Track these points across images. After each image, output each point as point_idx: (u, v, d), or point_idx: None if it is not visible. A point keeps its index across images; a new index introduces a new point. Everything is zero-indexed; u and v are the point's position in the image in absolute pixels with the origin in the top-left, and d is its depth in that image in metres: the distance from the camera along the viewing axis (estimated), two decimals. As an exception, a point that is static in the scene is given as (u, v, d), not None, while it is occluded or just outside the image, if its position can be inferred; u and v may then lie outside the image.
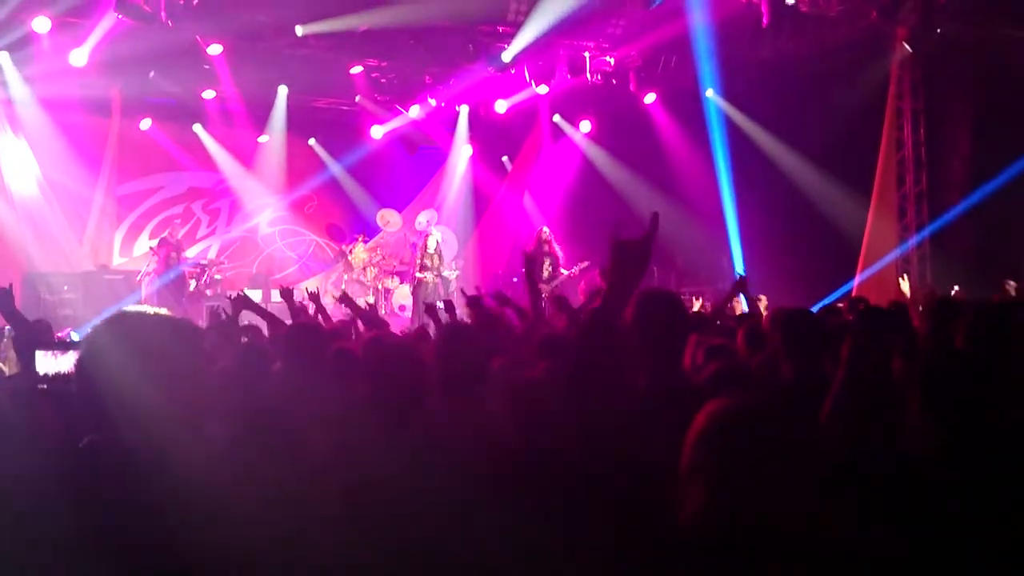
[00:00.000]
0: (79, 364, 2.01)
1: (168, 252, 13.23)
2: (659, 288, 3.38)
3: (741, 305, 7.80)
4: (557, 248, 13.13)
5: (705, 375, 3.44)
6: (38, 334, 4.93)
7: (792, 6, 11.13)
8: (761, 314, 6.71)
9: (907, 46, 11.85)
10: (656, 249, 2.55)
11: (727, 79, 12.81)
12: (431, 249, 14.06)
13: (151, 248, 13.58)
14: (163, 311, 2.11)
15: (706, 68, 12.53)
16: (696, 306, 10.92)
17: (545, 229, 13.44)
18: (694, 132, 13.83)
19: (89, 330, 2.02)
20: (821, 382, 3.43)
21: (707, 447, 1.98)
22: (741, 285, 6.67)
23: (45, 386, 4.27)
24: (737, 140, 13.26)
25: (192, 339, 2.11)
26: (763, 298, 10.73)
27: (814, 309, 7.17)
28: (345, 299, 6.73)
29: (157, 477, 1.87)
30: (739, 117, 13.25)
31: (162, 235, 13.99)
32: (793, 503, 1.93)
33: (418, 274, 13.97)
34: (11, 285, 4.72)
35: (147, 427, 1.91)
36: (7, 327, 9.03)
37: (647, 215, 2.54)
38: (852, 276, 11.74)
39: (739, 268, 12.76)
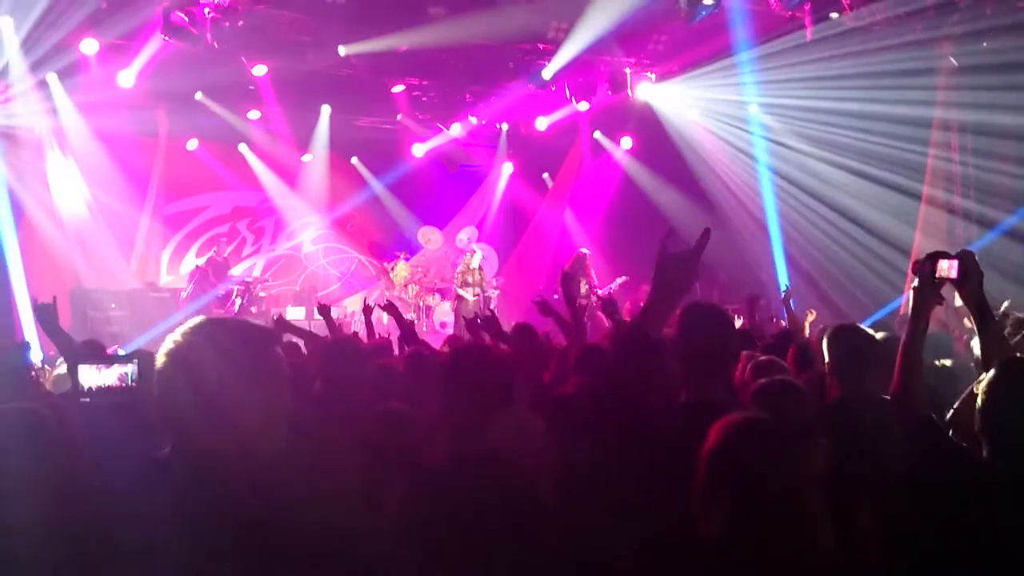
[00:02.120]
0: (161, 371, 2.01)
1: (200, 277, 13.39)
2: (705, 301, 3.33)
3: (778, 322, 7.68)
4: (592, 270, 13.14)
5: (750, 392, 3.39)
6: (88, 351, 5.00)
7: (837, 20, 11.02)
8: (804, 329, 6.61)
9: (953, 60, 11.67)
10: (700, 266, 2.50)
11: (770, 94, 12.70)
12: (474, 265, 14.11)
13: (189, 273, 13.81)
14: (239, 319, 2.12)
15: (749, 83, 12.44)
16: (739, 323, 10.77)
17: (584, 250, 13.45)
18: (737, 147, 13.73)
19: (169, 339, 2.03)
20: (870, 398, 3.37)
21: (718, 463, 1.96)
22: (753, 302, 6.57)
23: (88, 399, 4.31)
24: (781, 155, 13.13)
25: (266, 344, 2.12)
26: (812, 312, 10.55)
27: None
28: (390, 308, 6.74)
29: (230, 488, 1.88)
30: (782, 132, 13.12)
31: (208, 253, 14.20)
32: (807, 517, 1.90)
33: (460, 291, 14.02)
34: (55, 299, 4.82)
35: (227, 437, 1.93)
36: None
37: (692, 230, 2.51)
38: (900, 292, 11.54)
39: (783, 283, 12.62)
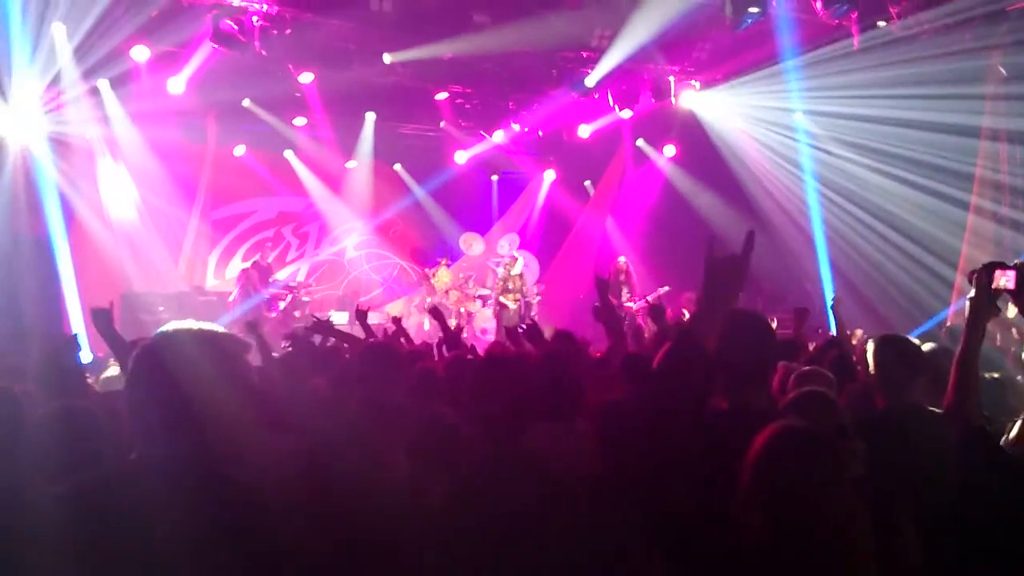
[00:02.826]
0: (129, 380, 2.05)
1: (246, 281, 13.57)
2: (748, 310, 3.32)
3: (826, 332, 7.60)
4: (634, 277, 13.11)
5: (791, 400, 3.37)
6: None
7: (884, 29, 10.92)
8: (850, 341, 6.55)
9: (1002, 69, 11.50)
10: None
11: (816, 102, 12.59)
12: (515, 272, 14.16)
13: (235, 277, 14.01)
14: (209, 326, 2.13)
15: (794, 91, 12.35)
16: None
17: (622, 259, 13.45)
18: (782, 155, 13.63)
19: (138, 348, 2.06)
20: (917, 409, 3.34)
21: (760, 469, 1.96)
22: (802, 315, 6.49)
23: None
24: (826, 163, 13.01)
25: (234, 353, 2.13)
26: (858, 332, 10.43)
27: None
28: (435, 312, 6.78)
29: (203, 490, 1.90)
30: (828, 140, 13.00)
31: (253, 258, 14.39)
32: (847, 525, 1.89)
33: (501, 298, 14.06)
34: (111, 304, 4.88)
35: (196, 441, 1.94)
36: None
37: (736, 239, 2.51)
38: (948, 304, 11.37)
39: (828, 293, 12.50)
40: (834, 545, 1.93)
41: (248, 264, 14.35)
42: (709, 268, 2.41)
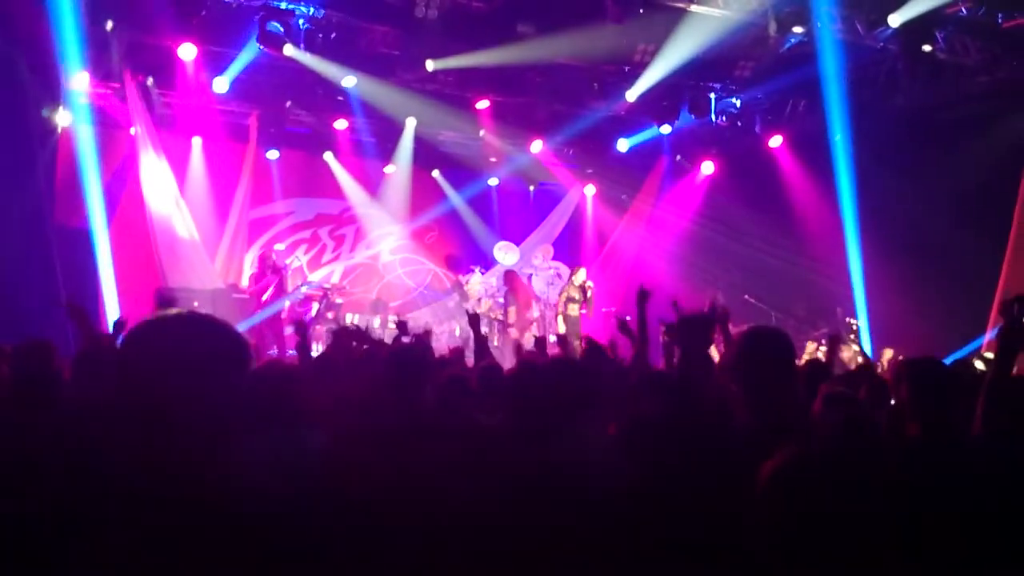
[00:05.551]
0: (119, 366, 1.97)
1: (259, 275, 13.40)
2: (766, 326, 3.32)
3: (853, 357, 7.53)
4: None
5: (820, 423, 3.35)
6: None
7: (928, 53, 10.84)
8: (881, 365, 6.50)
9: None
10: (776, 296, 2.55)
11: (857, 125, 12.49)
12: (578, 282, 13.94)
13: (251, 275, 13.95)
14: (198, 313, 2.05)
15: (836, 113, 12.27)
16: (810, 349, 10.63)
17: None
18: (821, 177, 13.53)
19: (126, 335, 1.96)
20: (951, 438, 3.29)
21: (771, 497, 1.91)
22: (834, 341, 6.43)
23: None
24: (865, 187, 12.89)
25: (229, 344, 1.99)
26: (888, 351, 10.31)
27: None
28: (473, 320, 6.79)
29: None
30: (868, 163, 12.89)
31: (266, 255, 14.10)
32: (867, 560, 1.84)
33: (566, 307, 13.93)
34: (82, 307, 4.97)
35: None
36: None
37: (772, 258, 2.54)
38: (983, 331, 11.22)
39: (859, 317, 12.38)
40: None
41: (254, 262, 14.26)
42: (680, 326, 2.51)
